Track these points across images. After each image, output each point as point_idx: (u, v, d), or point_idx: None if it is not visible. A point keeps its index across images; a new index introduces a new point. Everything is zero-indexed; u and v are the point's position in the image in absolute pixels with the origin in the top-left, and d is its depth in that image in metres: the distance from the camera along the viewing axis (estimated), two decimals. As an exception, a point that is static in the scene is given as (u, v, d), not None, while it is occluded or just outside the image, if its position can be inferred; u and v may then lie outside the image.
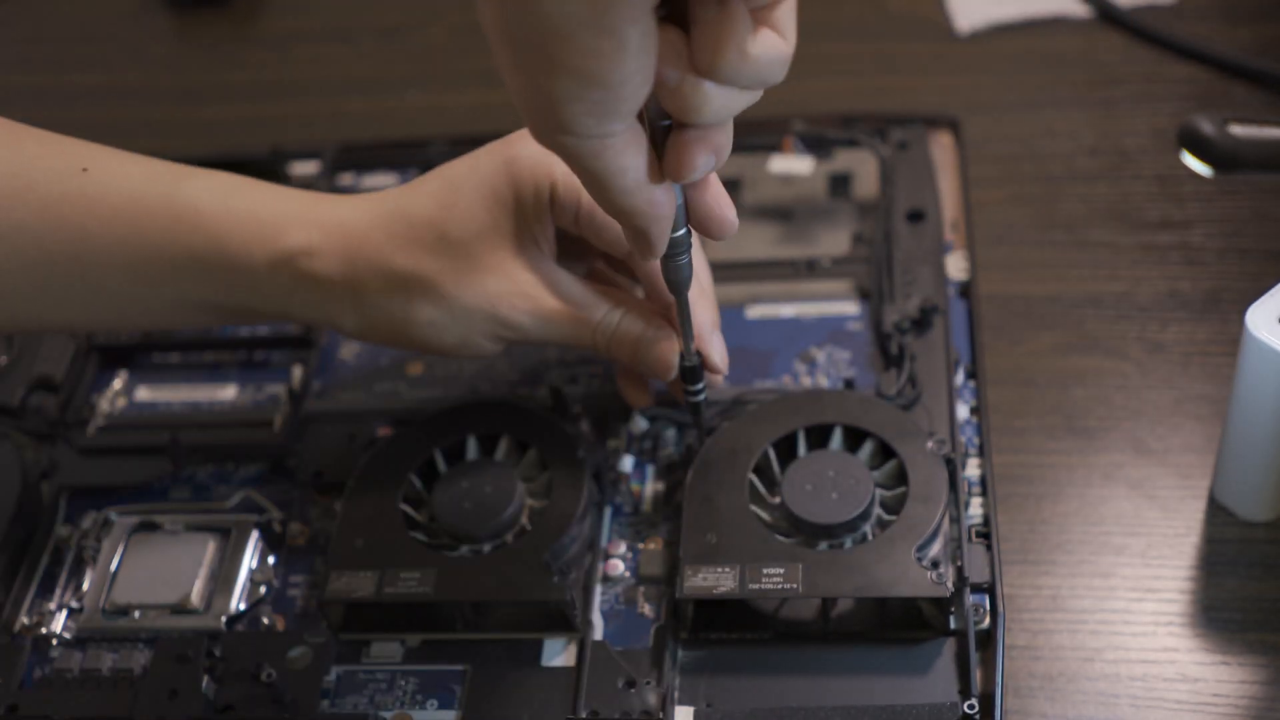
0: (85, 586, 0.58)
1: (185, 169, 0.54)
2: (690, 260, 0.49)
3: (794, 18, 0.41)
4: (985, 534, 0.54)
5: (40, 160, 0.52)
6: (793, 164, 0.69)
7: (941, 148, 0.69)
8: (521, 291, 0.53)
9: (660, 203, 0.45)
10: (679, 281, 0.50)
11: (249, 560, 0.58)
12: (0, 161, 0.51)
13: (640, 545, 0.56)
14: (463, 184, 0.53)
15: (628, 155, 0.43)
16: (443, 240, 0.52)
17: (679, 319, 0.52)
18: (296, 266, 0.53)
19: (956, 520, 0.53)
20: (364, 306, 0.53)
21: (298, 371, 0.65)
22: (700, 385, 0.54)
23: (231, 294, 0.53)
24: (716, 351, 0.55)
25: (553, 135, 0.41)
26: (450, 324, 0.53)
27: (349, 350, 0.66)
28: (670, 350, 0.54)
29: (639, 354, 0.54)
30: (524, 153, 0.53)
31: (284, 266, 0.53)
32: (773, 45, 0.40)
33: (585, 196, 0.52)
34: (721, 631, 0.53)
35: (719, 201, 0.47)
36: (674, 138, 0.43)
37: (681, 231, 0.48)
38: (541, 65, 0.39)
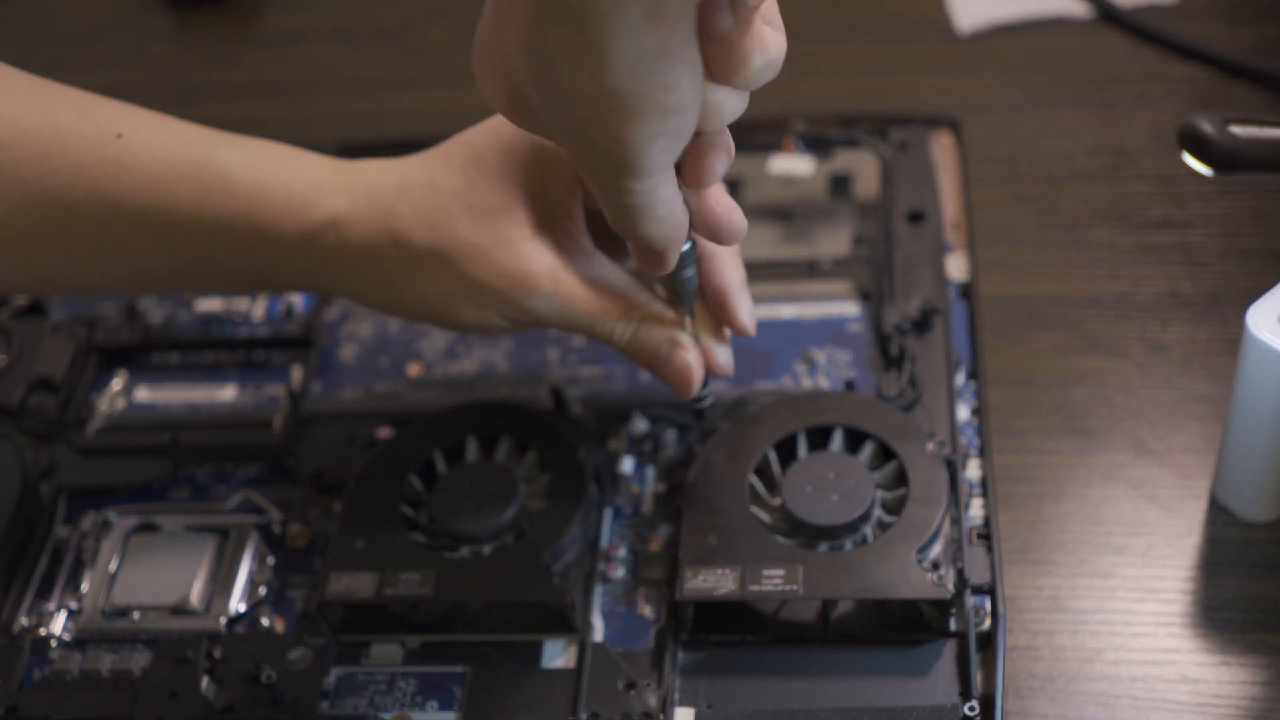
0: (84, 587, 0.58)
1: (220, 135, 0.53)
2: (695, 274, 0.49)
3: (776, 7, 0.42)
4: (986, 535, 0.54)
5: (74, 125, 0.51)
6: (793, 164, 0.69)
7: (942, 148, 0.69)
8: (542, 274, 0.51)
9: (683, 224, 0.45)
10: (687, 294, 0.50)
11: (248, 561, 0.58)
12: (35, 125, 0.51)
13: (640, 547, 0.56)
14: (486, 154, 0.51)
15: (670, 185, 0.43)
16: (468, 214, 0.51)
17: (688, 325, 0.52)
18: (324, 239, 0.52)
19: (957, 521, 0.53)
20: (386, 278, 0.52)
21: (298, 372, 0.65)
22: (707, 393, 0.54)
23: (259, 263, 0.53)
24: (744, 310, 0.53)
25: (622, 181, 0.41)
26: (468, 301, 0.51)
27: (349, 350, 0.66)
28: (690, 365, 0.52)
29: (658, 363, 0.52)
30: None
31: (312, 239, 0.52)
32: (778, 42, 0.41)
33: None
34: (722, 633, 0.53)
35: (724, 205, 0.47)
36: (691, 149, 0.43)
37: (687, 246, 0.48)
38: (618, 121, 0.38)
